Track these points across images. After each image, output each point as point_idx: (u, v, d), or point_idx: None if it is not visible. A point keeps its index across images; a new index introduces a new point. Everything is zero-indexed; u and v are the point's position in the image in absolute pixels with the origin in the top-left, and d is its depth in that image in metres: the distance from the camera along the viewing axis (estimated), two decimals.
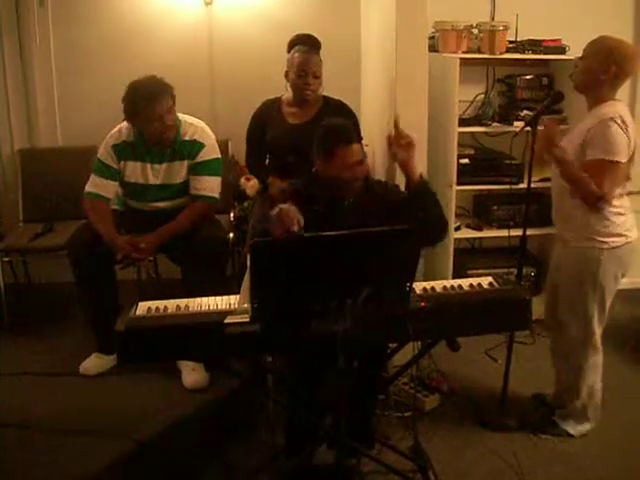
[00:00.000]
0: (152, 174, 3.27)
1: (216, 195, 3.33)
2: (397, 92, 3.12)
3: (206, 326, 2.20)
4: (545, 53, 3.86)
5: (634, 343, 3.77)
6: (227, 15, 4.13)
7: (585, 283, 2.79)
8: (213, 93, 4.20)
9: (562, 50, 3.88)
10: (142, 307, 2.35)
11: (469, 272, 3.94)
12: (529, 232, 3.98)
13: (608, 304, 2.85)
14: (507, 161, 3.98)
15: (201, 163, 3.27)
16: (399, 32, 3.04)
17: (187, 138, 3.25)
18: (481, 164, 3.89)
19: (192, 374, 3.21)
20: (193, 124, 3.28)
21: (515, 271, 4.05)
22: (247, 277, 2.07)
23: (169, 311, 2.32)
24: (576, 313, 2.85)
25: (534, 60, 3.91)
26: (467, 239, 4.30)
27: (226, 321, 2.20)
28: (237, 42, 4.15)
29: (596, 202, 2.64)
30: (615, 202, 2.72)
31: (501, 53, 3.75)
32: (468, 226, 4.08)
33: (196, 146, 3.25)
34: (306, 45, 3.32)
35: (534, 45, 3.87)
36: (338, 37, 3.46)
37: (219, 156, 3.36)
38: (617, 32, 4.09)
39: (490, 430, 3.04)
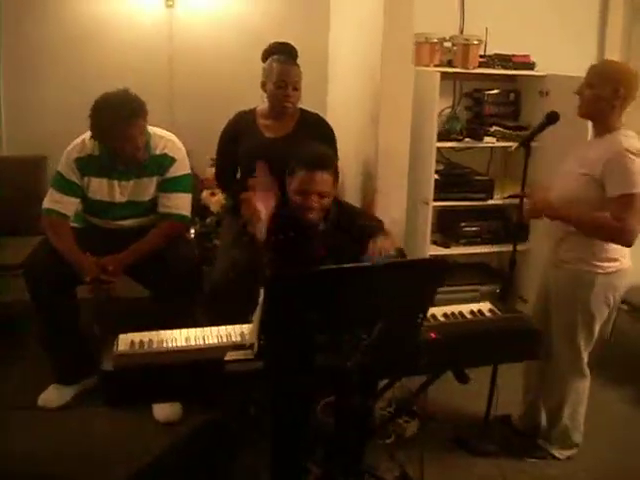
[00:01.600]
0: (119, 191, 3.03)
1: (187, 213, 3.11)
2: (381, 109, 3.01)
3: (204, 364, 2.01)
4: (515, 69, 3.84)
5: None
6: (189, 19, 3.90)
7: (576, 307, 2.76)
8: (172, 101, 3.95)
9: (531, 66, 3.88)
10: (124, 341, 2.14)
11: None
12: (495, 249, 4.03)
13: (597, 330, 2.83)
14: (477, 177, 3.94)
15: (172, 179, 3.05)
16: (384, 48, 2.94)
17: (157, 152, 3.02)
18: (451, 180, 3.82)
19: (164, 407, 2.98)
20: (163, 137, 3.05)
21: (482, 288, 4.15)
22: (257, 312, 1.89)
23: (155, 345, 2.12)
24: (565, 337, 2.82)
25: (501, 75, 3.89)
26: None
27: (227, 358, 2.02)
28: (199, 48, 3.93)
29: (622, 236, 2.59)
30: None
31: (474, 67, 3.70)
32: (435, 242, 4.00)
33: (167, 161, 3.03)
34: (284, 54, 3.16)
35: (504, 60, 3.85)
36: (305, 47, 3.29)
37: (189, 171, 3.15)
38: (582, 48, 4.28)
39: (473, 455, 2.97)
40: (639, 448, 3.12)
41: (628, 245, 2.62)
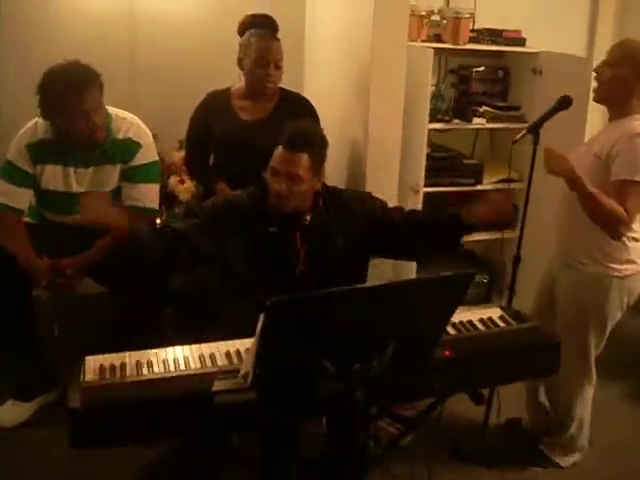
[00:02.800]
0: (76, 180, 2.68)
1: (156, 205, 2.79)
2: (371, 89, 2.72)
3: (189, 396, 1.74)
4: (506, 45, 3.57)
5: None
6: None
7: (589, 312, 2.56)
8: (134, 79, 3.53)
9: (522, 42, 3.62)
10: (91, 367, 1.86)
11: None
12: (484, 237, 3.80)
13: (607, 333, 2.64)
14: (465, 161, 3.69)
15: (137, 167, 2.70)
16: (376, 23, 2.64)
17: (120, 136, 2.67)
18: (439, 164, 3.55)
19: None
20: (126, 119, 2.70)
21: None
22: (255, 339, 1.60)
23: (129, 373, 1.84)
24: (575, 342, 2.60)
25: (489, 51, 3.63)
26: None
27: (214, 389, 1.74)
28: (164, 18, 3.51)
29: (616, 225, 2.36)
30: (634, 226, 2.48)
31: (464, 43, 3.42)
32: None
33: (132, 146, 2.68)
34: (264, 28, 2.83)
35: (494, 35, 3.57)
36: (279, 20, 2.97)
37: (157, 158, 2.81)
38: (573, 24, 4.04)
39: (474, 464, 2.76)
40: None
41: (618, 237, 2.41)
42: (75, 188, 2.68)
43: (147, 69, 3.55)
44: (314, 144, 2.25)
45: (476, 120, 3.58)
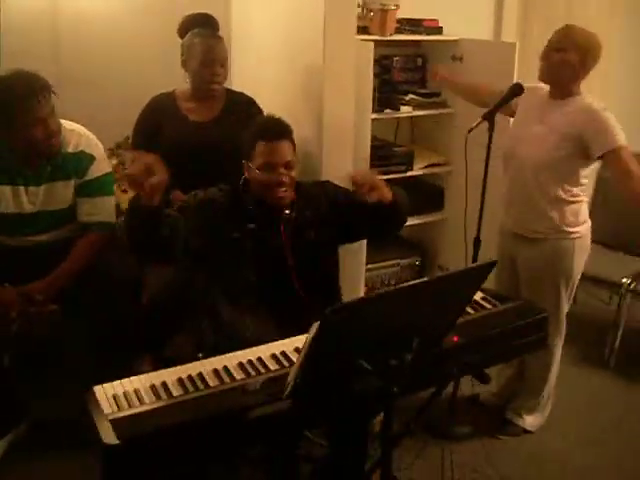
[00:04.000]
0: (27, 200, 2.50)
1: (113, 219, 2.65)
2: (325, 84, 2.71)
3: (227, 414, 1.69)
4: (426, 34, 3.69)
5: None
6: None
7: (559, 276, 2.75)
8: (60, 86, 3.29)
9: (440, 31, 3.75)
10: (104, 398, 1.76)
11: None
12: (416, 221, 3.92)
13: (572, 295, 2.86)
14: (395, 148, 3.78)
15: (92, 181, 2.57)
16: (328, 15, 2.63)
17: (71, 150, 2.52)
18: (374, 153, 3.57)
19: None
20: (74, 131, 2.55)
21: (402, 261, 4.02)
22: (303, 350, 1.58)
23: (149, 398, 1.76)
24: (548, 308, 2.74)
25: (409, 40, 3.73)
26: None
27: (252, 402, 1.71)
28: (88, 24, 3.31)
29: (627, 189, 2.58)
30: (580, 191, 2.69)
31: (391, 34, 3.50)
32: None
33: (84, 159, 2.54)
34: (207, 28, 2.77)
35: (414, 25, 3.68)
36: None
37: (110, 170, 2.68)
38: (479, 11, 4.22)
39: (448, 440, 2.86)
40: (601, 406, 3.24)
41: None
42: (28, 208, 2.52)
43: (72, 76, 3.31)
44: (290, 130, 2.33)
45: (404, 108, 3.68)
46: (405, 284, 1.60)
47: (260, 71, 3.22)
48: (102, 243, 2.62)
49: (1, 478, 2.54)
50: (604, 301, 4.24)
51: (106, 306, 2.49)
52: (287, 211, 2.35)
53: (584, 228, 2.74)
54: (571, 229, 2.70)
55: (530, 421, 2.97)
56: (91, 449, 2.48)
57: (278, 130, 2.29)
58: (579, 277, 2.82)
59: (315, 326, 1.51)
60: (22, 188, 2.50)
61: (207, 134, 2.77)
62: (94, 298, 2.49)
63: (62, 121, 2.56)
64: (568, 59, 2.56)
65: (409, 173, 3.76)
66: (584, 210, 2.74)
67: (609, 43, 4.63)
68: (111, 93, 3.16)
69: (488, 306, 2.24)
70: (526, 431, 2.97)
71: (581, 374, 3.51)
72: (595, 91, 3.91)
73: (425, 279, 1.71)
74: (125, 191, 3.12)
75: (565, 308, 2.83)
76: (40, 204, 2.53)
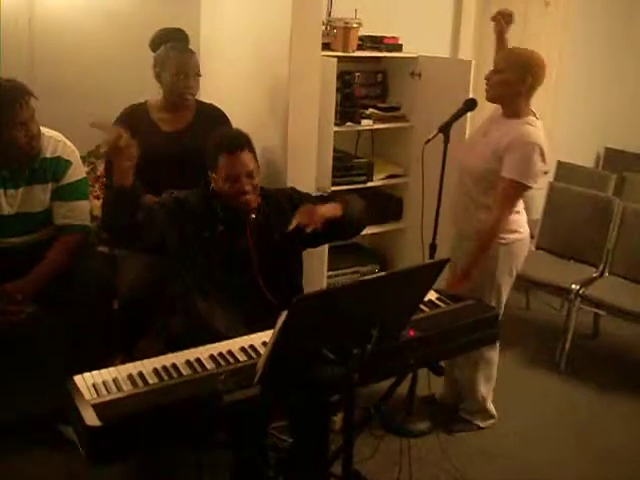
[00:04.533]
0: (6, 202, 2.59)
1: (87, 222, 2.76)
2: (290, 100, 2.87)
3: (200, 398, 1.81)
4: (386, 50, 3.87)
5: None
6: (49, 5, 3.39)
7: (484, 278, 2.87)
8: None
9: (400, 48, 3.93)
10: (84, 385, 1.86)
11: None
12: (375, 230, 4.09)
13: (504, 299, 2.98)
14: (356, 160, 3.95)
15: (69, 185, 2.67)
16: (294, 32, 2.79)
17: (49, 155, 2.62)
18: (334, 164, 3.76)
19: None
20: (52, 137, 2.66)
21: (363, 269, 4.18)
22: (272, 338, 1.72)
23: (128, 385, 1.87)
24: None
25: (368, 56, 3.91)
26: None
27: (221, 388, 1.84)
28: (63, 35, 3.42)
29: (496, 226, 2.78)
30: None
31: (353, 51, 3.67)
32: None
33: (61, 165, 2.65)
34: (179, 42, 2.91)
35: (375, 42, 3.86)
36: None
37: (85, 175, 2.79)
38: (439, 29, 4.43)
39: (403, 436, 2.99)
40: (550, 406, 3.42)
41: (495, 236, 2.79)
42: (6, 210, 2.60)
43: (46, 85, 3.37)
44: (248, 140, 2.46)
45: (364, 122, 3.85)
46: (366, 277, 1.75)
47: (228, 84, 3.36)
48: (78, 245, 2.71)
49: None
50: (555, 308, 4.46)
51: (81, 307, 2.58)
52: (253, 215, 2.49)
53: (513, 237, 2.87)
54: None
55: (481, 419, 3.14)
56: (61, 443, 2.65)
57: (237, 142, 2.42)
58: (506, 283, 2.95)
59: (283, 314, 1.65)
60: (1, 191, 2.59)
61: (178, 143, 2.90)
62: (69, 299, 2.58)
63: (41, 127, 2.66)
64: (506, 79, 2.73)
65: (369, 184, 3.93)
66: (516, 219, 2.88)
67: (562, 58, 4.93)
68: (83, 102, 3.24)
69: (442, 305, 2.41)
70: (479, 428, 3.13)
71: (533, 376, 3.70)
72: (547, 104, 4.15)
73: (383, 273, 1.85)
74: (97, 197, 3.23)
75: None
76: (18, 206, 2.63)
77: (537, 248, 4.23)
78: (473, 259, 2.80)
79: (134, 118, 2.92)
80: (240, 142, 2.43)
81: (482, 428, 3.13)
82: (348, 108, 3.88)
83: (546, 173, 2.95)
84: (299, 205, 2.60)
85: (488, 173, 2.78)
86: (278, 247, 2.54)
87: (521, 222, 2.93)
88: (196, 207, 2.45)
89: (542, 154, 2.70)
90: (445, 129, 2.80)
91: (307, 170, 3.01)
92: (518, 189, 2.73)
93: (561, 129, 5.02)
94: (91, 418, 1.70)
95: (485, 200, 2.83)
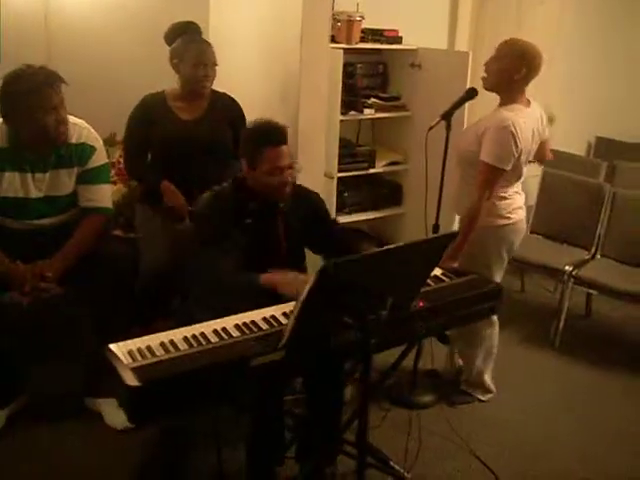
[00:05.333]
0: (34, 185, 2.72)
1: (110, 205, 2.90)
2: (301, 86, 3.03)
3: (230, 362, 1.97)
4: (387, 43, 4.03)
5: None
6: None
7: (476, 260, 2.98)
8: None
9: (400, 40, 4.09)
10: (121, 352, 2.00)
11: None
12: (377, 214, 4.26)
13: (497, 280, 3.08)
14: (359, 147, 4.11)
15: (93, 169, 2.80)
16: (305, 25, 2.95)
17: (74, 141, 2.75)
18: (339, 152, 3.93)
19: (119, 412, 2.80)
20: (77, 124, 2.79)
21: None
22: (299, 303, 1.88)
23: (159, 352, 2.01)
24: None
25: (370, 48, 4.07)
26: None
27: (252, 352, 2.00)
28: (77, 23, 3.56)
29: (475, 208, 2.92)
30: (500, 190, 2.98)
31: (356, 43, 3.83)
32: None
33: (86, 150, 2.78)
34: (195, 33, 3.06)
35: (377, 35, 4.02)
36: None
37: (107, 160, 2.93)
38: (436, 22, 4.59)
39: (411, 409, 3.15)
40: (546, 381, 3.60)
41: (475, 217, 2.91)
42: (34, 194, 2.73)
43: (63, 75, 3.57)
44: (287, 133, 2.53)
45: (367, 111, 4.02)
46: (388, 246, 1.91)
47: (238, 73, 3.50)
48: (102, 226, 2.86)
49: (3, 446, 2.72)
50: (550, 290, 4.63)
51: (106, 286, 2.73)
52: (282, 204, 2.59)
53: (502, 222, 3.01)
54: (487, 218, 2.96)
55: (481, 392, 3.31)
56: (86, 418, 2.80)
57: (281, 135, 2.49)
58: (496, 266, 3.08)
59: (314, 276, 1.79)
60: (29, 175, 2.72)
61: (196, 130, 3.06)
62: (94, 278, 2.72)
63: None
64: (504, 67, 2.88)
65: (371, 170, 4.11)
66: (505, 205, 3.01)
67: (556, 51, 5.09)
68: (98, 93, 3.38)
69: (446, 280, 2.58)
70: (480, 401, 3.31)
71: (529, 354, 3.87)
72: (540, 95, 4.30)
73: (401, 244, 2.00)
74: (114, 182, 3.38)
75: None
76: (45, 190, 2.75)
77: (531, 232, 4.38)
78: (458, 242, 2.88)
79: (153, 106, 3.08)
80: (283, 135, 2.50)
81: (482, 401, 3.29)
82: (351, 98, 4.06)
83: (520, 177, 3.05)
84: (320, 209, 2.74)
85: (472, 156, 2.91)
86: (299, 234, 2.67)
87: (511, 208, 3.04)
88: (229, 202, 2.54)
89: (515, 138, 2.82)
90: (447, 116, 2.95)
91: (316, 157, 3.18)
92: (494, 172, 2.86)
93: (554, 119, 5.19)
94: (131, 379, 1.84)
95: (465, 186, 2.98)
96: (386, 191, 4.33)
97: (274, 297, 2.38)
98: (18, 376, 2.88)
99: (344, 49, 3.67)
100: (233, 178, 2.61)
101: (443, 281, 2.55)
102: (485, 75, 2.98)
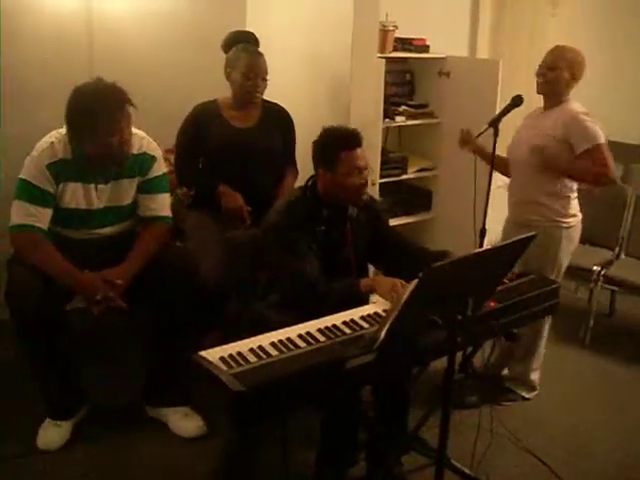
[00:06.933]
0: (96, 196, 2.74)
1: (170, 214, 2.93)
2: (352, 94, 3.10)
3: (327, 366, 2.02)
4: (417, 52, 4.12)
5: None
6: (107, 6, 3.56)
7: (547, 260, 3.12)
8: None
9: (427, 49, 4.18)
10: (215, 359, 2.03)
11: None
12: (409, 220, 4.33)
13: (561, 278, 3.23)
14: (391, 154, 4.18)
15: (154, 179, 2.84)
16: (355, 35, 3.01)
17: (135, 151, 2.77)
18: None
19: (188, 420, 2.84)
20: (137, 134, 2.80)
21: None
22: (399, 304, 1.94)
23: (250, 359, 2.03)
24: None
25: (398, 57, 4.15)
26: None
27: (348, 354, 2.05)
28: (119, 35, 3.60)
29: (603, 178, 3.02)
30: (569, 191, 3.13)
31: (390, 52, 3.90)
32: None
33: (147, 160, 2.81)
34: (250, 44, 3.12)
35: (405, 44, 4.10)
36: (217, 31, 3.26)
37: (166, 170, 2.96)
38: (456, 32, 4.68)
39: (457, 409, 3.19)
40: (580, 377, 3.70)
41: (611, 182, 3.07)
42: (96, 204, 2.75)
43: None
44: (358, 135, 2.59)
45: (397, 118, 4.10)
46: (476, 250, 1.98)
47: (284, 82, 3.55)
48: (163, 235, 2.88)
49: (67, 456, 2.73)
50: (570, 290, 4.72)
51: (172, 294, 2.76)
52: (351, 210, 2.65)
53: (574, 220, 3.16)
54: (560, 219, 3.11)
55: (526, 390, 3.38)
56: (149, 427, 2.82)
57: (357, 138, 2.56)
58: (565, 265, 3.21)
59: (412, 284, 1.86)
60: (92, 186, 2.73)
61: (250, 138, 3.13)
62: (158, 286, 2.75)
63: None
64: (562, 76, 3.05)
65: (403, 176, 4.18)
66: (575, 204, 3.17)
67: None
68: (141, 101, 3.41)
69: (508, 281, 2.65)
70: (524, 398, 3.38)
71: (562, 351, 3.97)
72: None
73: (488, 247, 2.09)
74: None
75: None
76: (107, 200, 2.78)
77: None
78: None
79: (206, 115, 3.14)
80: (358, 138, 2.56)
81: (527, 399, 3.37)
82: (385, 105, 4.11)
83: None
84: (377, 221, 2.78)
85: (555, 144, 3.02)
86: (366, 241, 2.73)
87: (577, 208, 3.21)
88: (301, 211, 2.58)
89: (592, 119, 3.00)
90: (494, 123, 3.03)
91: (372, 165, 3.21)
92: (604, 150, 2.99)
93: None
94: (235, 385, 1.88)
95: (555, 187, 3.08)
96: (417, 197, 4.41)
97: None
98: (82, 389, 2.90)
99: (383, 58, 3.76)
100: (303, 186, 2.65)
101: (505, 283, 2.62)
102: (541, 80, 3.11)
